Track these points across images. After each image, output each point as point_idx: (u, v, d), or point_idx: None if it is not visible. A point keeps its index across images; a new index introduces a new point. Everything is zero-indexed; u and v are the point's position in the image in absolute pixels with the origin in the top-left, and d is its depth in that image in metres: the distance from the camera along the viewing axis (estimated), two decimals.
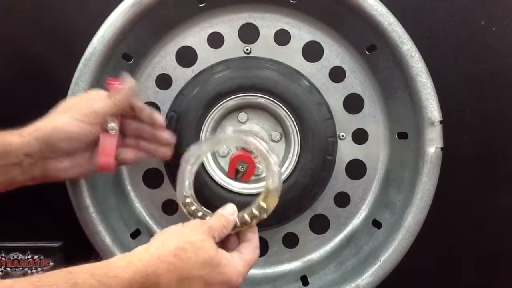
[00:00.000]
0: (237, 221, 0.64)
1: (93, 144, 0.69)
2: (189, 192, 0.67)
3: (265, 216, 0.65)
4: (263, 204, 0.64)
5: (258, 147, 0.66)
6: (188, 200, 0.67)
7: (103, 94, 0.69)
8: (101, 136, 0.69)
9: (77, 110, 0.66)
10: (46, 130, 0.65)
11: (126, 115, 0.72)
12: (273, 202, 0.65)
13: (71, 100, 0.70)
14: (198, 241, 0.57)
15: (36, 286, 0.48)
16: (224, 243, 0.64)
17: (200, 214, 0.66)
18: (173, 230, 0.59)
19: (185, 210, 0.67)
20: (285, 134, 0.82)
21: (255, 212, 0.64)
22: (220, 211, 0.64)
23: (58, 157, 0.66)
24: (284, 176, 0.80)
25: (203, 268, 0.56)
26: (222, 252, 0.59)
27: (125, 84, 0.70)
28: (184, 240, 0.57)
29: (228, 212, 0.64)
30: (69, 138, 0.65)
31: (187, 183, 0.67)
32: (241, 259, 0.60)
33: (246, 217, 0.64)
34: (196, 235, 0.58)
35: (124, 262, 0.53)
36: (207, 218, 0.65)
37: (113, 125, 0.69)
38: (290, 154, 0.80)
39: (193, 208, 0.67)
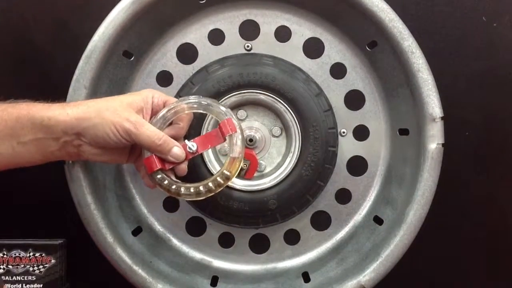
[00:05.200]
0: (202, 188, 0.69)
1: (129, 147, 0.72)
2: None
3: (227, 182, 0.70)
4: (227, 173, 0.69)
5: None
6: (159, 176, 0.70)
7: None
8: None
9: (123, 126, 0.66)
10: (89, 122, 0.66)
11: None
12: (235, 168, 0.70)
13: (131, 108, 0.69)
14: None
15: None
16: None
17: (173, 187, 0.70)
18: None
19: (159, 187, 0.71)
20: (286, 128, 0.82)
21: (220, 180, 0.70)
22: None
23: (92, 145, 0.68)
24: (287, 171, 0.80)
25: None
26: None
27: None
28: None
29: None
30: (105, 141, 0.67)
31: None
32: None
33: (211, 185, 0.69)
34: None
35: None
36: (181, 189, 0.69)
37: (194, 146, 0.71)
38: (292, 148, 0.80)
39: (165, 182, 0.70)
